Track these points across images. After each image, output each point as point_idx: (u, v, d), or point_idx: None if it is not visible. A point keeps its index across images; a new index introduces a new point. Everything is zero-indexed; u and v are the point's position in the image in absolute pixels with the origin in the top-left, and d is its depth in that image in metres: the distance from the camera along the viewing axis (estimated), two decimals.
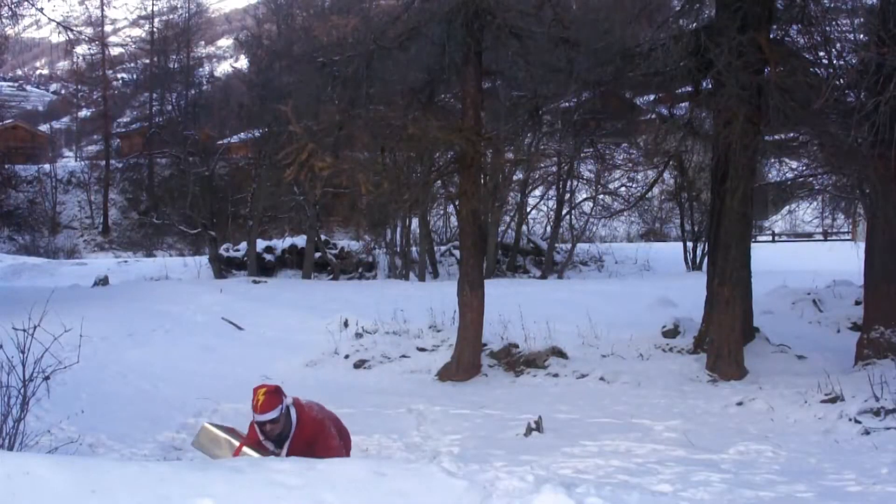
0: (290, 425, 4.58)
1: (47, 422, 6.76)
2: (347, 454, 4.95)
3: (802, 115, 8.71)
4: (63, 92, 62.66)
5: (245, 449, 4.49)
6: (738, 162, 9.05)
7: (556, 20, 10.02)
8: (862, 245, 9.86)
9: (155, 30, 43.48)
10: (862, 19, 9.76)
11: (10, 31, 18.39)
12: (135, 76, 44.64)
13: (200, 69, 43.34)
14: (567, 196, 22.77)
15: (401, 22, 10.31)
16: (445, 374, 10.22)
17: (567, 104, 17.05)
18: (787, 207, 19.88)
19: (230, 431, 4.96)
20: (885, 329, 8.87)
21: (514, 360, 10.47)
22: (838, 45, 9.09)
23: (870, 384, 7.44)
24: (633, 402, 8.52)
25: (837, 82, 8.26)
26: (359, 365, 10.83)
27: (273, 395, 4.53)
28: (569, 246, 23.39)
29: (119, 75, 48.27)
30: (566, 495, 3.23)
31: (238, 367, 10.48)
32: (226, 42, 62.30)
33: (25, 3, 14.29)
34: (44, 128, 59.11)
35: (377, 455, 6.78)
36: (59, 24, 14.92)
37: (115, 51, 45.61)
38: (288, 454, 4.51)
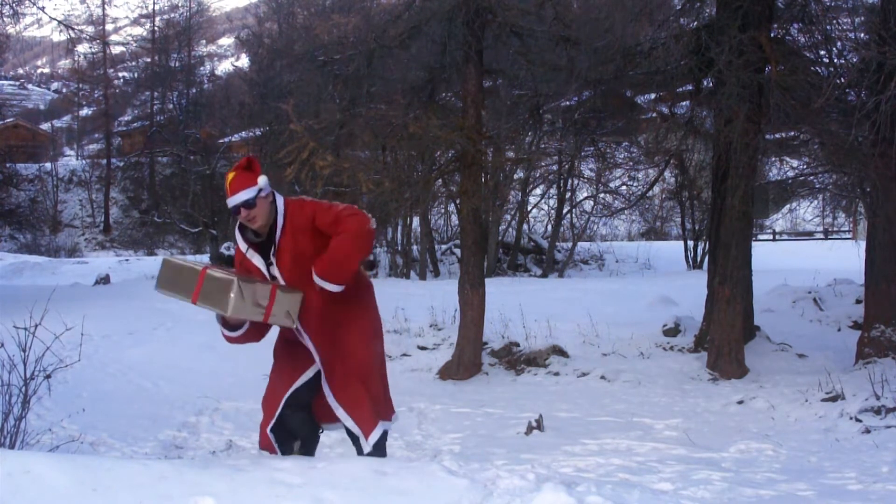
0: (273, 214, 3.63)
1: (48, 420, 6.78)
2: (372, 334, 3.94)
3: (803, 113, 8.71)
4: (64, 91, 62.64)
5: (210, 271, 3.46)
6: (738, 160, 9.05)
7: (557, 19, 10.02)
8: (862, 244, 9.86)
9: (156, 28, 43.46)
10: (863, 18, 9.76)
11: (11, 30, 18.42)
12: (136, 75, 44.59)
13: (201, 68, 43.28)
14: (568, 195, 22.77)
15: (402, 20, 10.31)
16: (446, 372, 10.23)
17: (568, 103, 16.99)
18: (787, 206, 19.84)
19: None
20: (886, 328, 8.86)
21: (515, 359, 10.48)
22: (839, 43, 9.08)
23: (870, 383, 7.45)
24: (633, 401, 8.53)
25: (838, 81, 8.25)
26: None
27: (245, 171, 3.58)
28: (569, 245, 23.40)
29: (120, 74, 48.24)
30: (567, 494, 3.23)
31: (239, 365, 10.47)
32: (227, 41, 62.20)
33: (27, 1, 14.30)
34: (45, 126, 59.17)
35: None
36: (60, 22, 14.97)
37: (116, 49, 45.66)
38: (279, 253, 3.61)
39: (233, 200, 3.54)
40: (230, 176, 3.58)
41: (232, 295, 3.34)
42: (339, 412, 3.80)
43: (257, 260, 3.71)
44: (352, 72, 9.92)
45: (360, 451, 3.88)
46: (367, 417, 3.80)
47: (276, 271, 3.67)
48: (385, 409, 3.97)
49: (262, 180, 3.58)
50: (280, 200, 3.67)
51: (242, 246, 3.70)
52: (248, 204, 3.54)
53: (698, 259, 21.33)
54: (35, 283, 19.50)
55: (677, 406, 8.26)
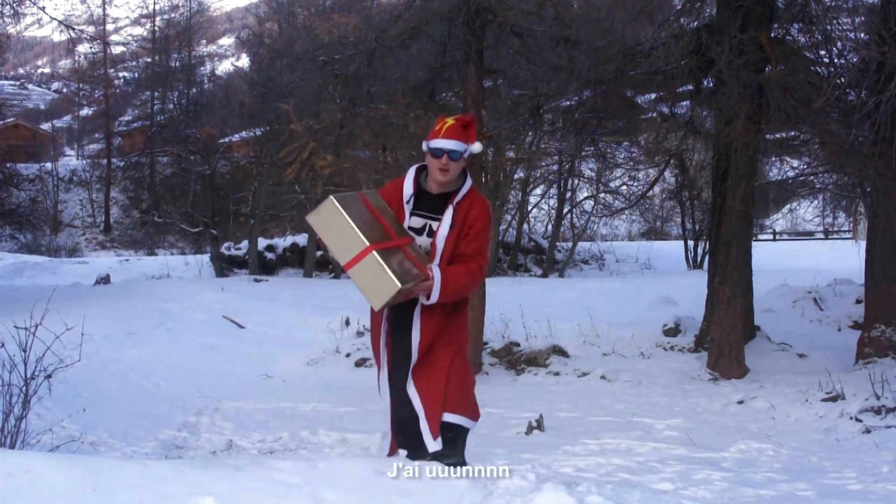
0: (462, 182, 3.60)
1: (49, 420, 6.77)
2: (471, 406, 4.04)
3: (803, 113, 8.71)
4: (65, 90, 62.75)
5: (376, 253, 3.24)
6: (739, 160, 9.06)
7: (557, 19, 10.03)
8: (863, 244, 9.87)
9: (156, 28, 43.53)
10: (863, 18, 9.76)
11: (11, 30, 18.42)
12: (136, 75, 44.65)
13: (202, 68, 43.31)
14: (568, 195, 22.78)
15: (402, 20, 10.31)
16: None
17: (568, 103, 17.02)
18: (787, 206, 19.87)
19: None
20: (886, 327, 8.87)
21: (516, 359, 10.48)
22: (839, 43, 9.09)
23: (871, 383, 7.45)
24: (634, 401, 8.53)
25: (838, 81, 8.26)
26: (360, 363, 10.84)
27: (468, 127, 3.54)
28: (570, 244, 23.41)
29: (120, 74, 48.30)
30: (567, 494, 3.23)
31: (239, 365, 10.49)
32: (227, 41, 62.29)
33: (27, 1, 14.30)
34: (45, 126, 59.15)
35: (379, 453, 6.78)
36: (60, 22, 14.97)
37: (116, 49, 45.74)
38: (453, 223, 3.52)
39: (443, 142, 3.47)
40: (449, 120, 3.52)
41: (388, 298, 3.28)
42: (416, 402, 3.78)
43: (407, 209, 3.64)
44: (352, 72, 9.92)
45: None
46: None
47: (439, 236, 3.57)
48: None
49: (476, 146, 3.56)
50: (469, 180, 3.64)
51: (408, 188, 3.63)
52: (454, 156, 3.48)
53: (698, 259, 21.34)
54: (35, 283, 19.50)
55: (678, 406, 8.26)
